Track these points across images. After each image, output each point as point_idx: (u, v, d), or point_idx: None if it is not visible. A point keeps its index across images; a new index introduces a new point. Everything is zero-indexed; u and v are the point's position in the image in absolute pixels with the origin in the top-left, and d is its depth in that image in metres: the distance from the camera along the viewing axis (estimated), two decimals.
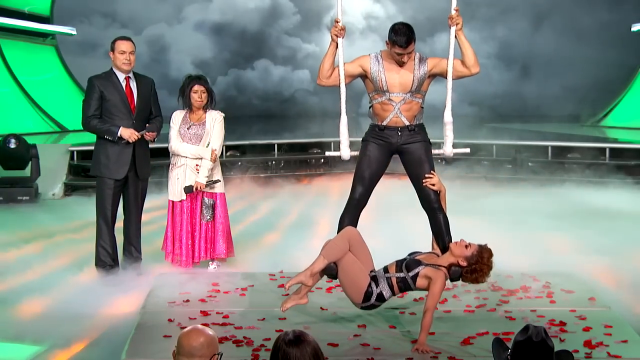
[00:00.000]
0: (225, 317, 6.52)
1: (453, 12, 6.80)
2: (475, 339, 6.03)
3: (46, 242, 10.16)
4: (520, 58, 22.65)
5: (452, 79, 6.81)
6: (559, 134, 17.18)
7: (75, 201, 13.23)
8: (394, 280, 6.21)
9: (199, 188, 8.12)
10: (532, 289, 7.29)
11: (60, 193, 14.06)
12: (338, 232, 6.60)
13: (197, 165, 8.16)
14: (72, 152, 14.53)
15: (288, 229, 10.81)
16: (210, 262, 8.33)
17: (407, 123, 6.73)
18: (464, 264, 6.23)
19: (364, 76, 6.80)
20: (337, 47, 6.79)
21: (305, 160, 16.03)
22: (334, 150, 7.26)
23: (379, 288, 6.19)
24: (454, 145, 7.10)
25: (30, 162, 13.58)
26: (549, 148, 15.20)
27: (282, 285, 6.75)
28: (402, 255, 6.38)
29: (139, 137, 7.93)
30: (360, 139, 6.99)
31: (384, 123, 6.75)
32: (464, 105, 19.42)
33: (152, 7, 22.30)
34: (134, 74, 8.14)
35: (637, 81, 19.20)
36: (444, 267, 6.22)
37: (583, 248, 9.26)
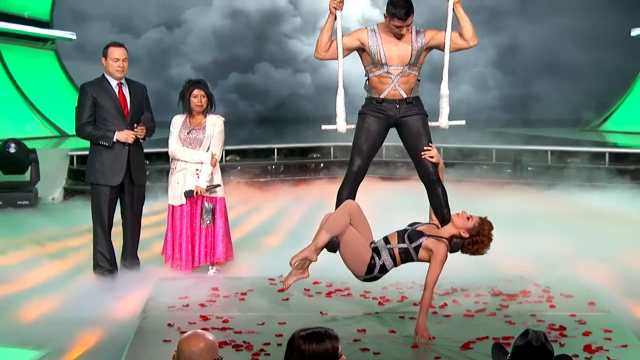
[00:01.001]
0: (225, 321, 6.51)
1: None
2: (475, 344, 6.02)
3: (45, 246, 10.15)
4: (519, 63, 22.69)
5: (450, 52, 6.79)
6: (558, 139, 17.18)
7: (74, 206, 13.21)
8: (396, 251, 6.26)
9: (199, 193, 8.12)
10: (532, 294, 7.28)
11: (60, 198, 14.08)
12: (337, 205, 6.62)
13: (197, 169, 8.16)
14: (71, 157, 14.55)
15: (288, 234, 10.81)
16: (210, 267, 8.32)
17: (404, 96, 6.73)
18: (466, 235, 6.32)
19: (360, 49, 6.78)
20: (335, 19, 6.75)
21: (305, 165, 16.03)
22: (331, 124, 7.19)
23: (382, 260, 6.25)
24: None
25: (29, 167, 13.59)
26: (549, 152, 15.22)
27: (282, 290, 6.75)
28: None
29: (136, 136, 7.87)
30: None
31: (382, 96, 6.74)
32: (463, 107, 19.45)
33: (152, 11, 22.33)
34: (126, 80, 8.05)
35: (636, 86, 19.21)
36: (445, 238, 6.27)
37: (583, 252, 9.24)
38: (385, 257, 6.24)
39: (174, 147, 8.23)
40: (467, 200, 12.06)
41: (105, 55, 7.91)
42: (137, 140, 8.02)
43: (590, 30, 21.63)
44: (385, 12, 6.59)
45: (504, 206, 12.32)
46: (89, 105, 7.84)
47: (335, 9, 6.73)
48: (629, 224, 11.10)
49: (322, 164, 15.83)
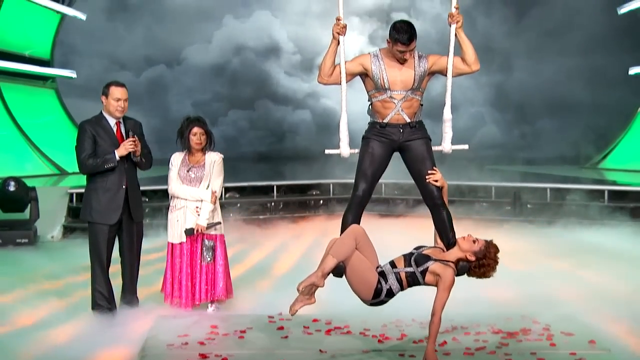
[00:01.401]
0: (224, 359, 6.48)
1: (453, 10, 6.80)
2: None
3: (44, 285, 10.11)
4: (517, 100, 22.80)
5: (452, 77, 6.82)
6: (558, 176, 17.20)
7: (74, 243, 13.18)
8: (402, 275, 6.26)
9: (200, 230, 8.11)
10: (532, 331, 7.24)
11: (59, 235, 14.07)
12: (342, 229, 6.61)
13: (197, 207, 8.15)
14: (71, 195, 14.56)
15: (287, 271, 10.79)
16: (210, 304, 8.28)
17: (408, 120, 6.75)
18: (472, 258, 6.32)
19: (363, 74, 6.81)
20: (338, 44, 6.80)
21: (304, 202, 16.03)
22: (335, 149, 7.19)
23: (388, 284, 6.24)
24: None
25: (29, 205, 13.60)
26: (548, 190, 15.24)
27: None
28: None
29: (135, 142, 7.81)
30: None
31: (386, 120, 6.76)
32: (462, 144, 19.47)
33: (152, 48, 22.44)
34: (123, 117, 7.99)
35: (635, 124, 19.30)
36: (452, 262, 6.27)
37: (583, 290, 9.22)
38: (392, 281, 6.24)
39: (174, 185, 8.23)
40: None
41: (106, 94, 7.85)
42: (135, 175, 8.01)
43: (589, 69, 21.79)
44: (388, 37, 6.63)
45: (503, 243, 12.26)
46: (89, 142, 7.80)
47: (339, 34, 6.79)
48: (628, 261, 11.09)
49: (321, 201, 15.84)
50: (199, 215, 8.13)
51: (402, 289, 6.30)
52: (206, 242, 8.18)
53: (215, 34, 23.37)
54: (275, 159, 22.43)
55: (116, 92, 7.84)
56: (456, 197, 15.37)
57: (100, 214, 7.87)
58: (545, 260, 11.26)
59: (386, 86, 6.68)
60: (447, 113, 7.00)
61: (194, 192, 8.16)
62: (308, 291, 6.22)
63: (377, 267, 6.33)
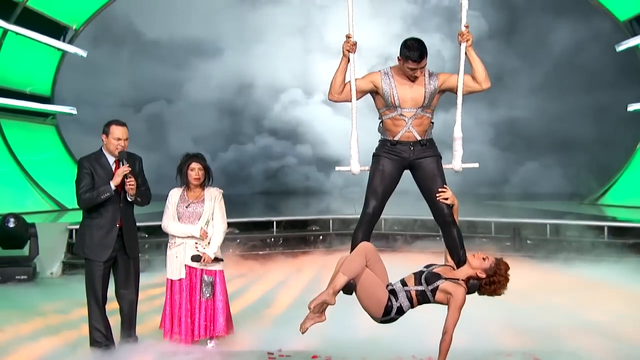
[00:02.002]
0: None
1: (463, 29, 6.82)
2: None
3: (42, 322, 10.07)
4: (517, 137, 22.87)
5: (463, 94, 6.83)
6: (557, 212, 17.20)
7: (73, 280, 13.14)
8: (413, 293, 6.27)
9: (206, 260, 8.08)
10: None
11: (58, 272, 14.03)
12: (352, 247, 6.60)
13: (196, 243, 8.14)
14: (70, 231, 14.53)
15: (287, 307, 10.76)
16: (209, 340, 8.25)
17: (418, 138, 6.76)
18: (483, 276, 6.35)
19: (374, 92, 6.82)
20: (348, 62, 6.81)
21: (304, 237, 16.00)
22: (345, 166, 7.18)
23: (399, 302, 6.25)
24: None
25: (29, 241, 13.58)
26: (548, 225, 15.23)
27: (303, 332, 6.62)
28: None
29: (128, 168, 7.77)
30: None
31: (396, 138, 6.77)
32: (462, 181, 19.54)
33: (152, 84, 22.52)
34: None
35: (634, 160, 19.32)
36: (462, 280, 6.27)
37: (583, 326, 9.19)
38: (402, 299, 6.25)
39: (165, 222, 8.24)
40: None
41: (106, 132, 7.84)
42: (131, 212, 8.01)
43: (588, 106, 21.90)
44: (399, 55, 6.65)
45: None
46: (88, 178, 7.79)
47: (349, 51, 6.80)
48: (629, 298, 11.05)
49: (320, 237, 15.82)
50: (198, 251, 8.11)
51: (412, 306, 6.31)
52: (205, 278, 8.16)
53: (215, 69, 23.47)
54: (276, 194, 22.43)
55: (117, 131, 7.83)
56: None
57: (92, 251, 7.85)
58: (545, 296, 11.24)
59: (396, 104, 6.70)
60: (458, 131, 7.01)
61: (184, 228, 8.14)
62: (319, 309, 6.22)
63: (388, 285, 6.34)
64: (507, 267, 6.45)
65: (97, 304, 7.92)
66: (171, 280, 8.23)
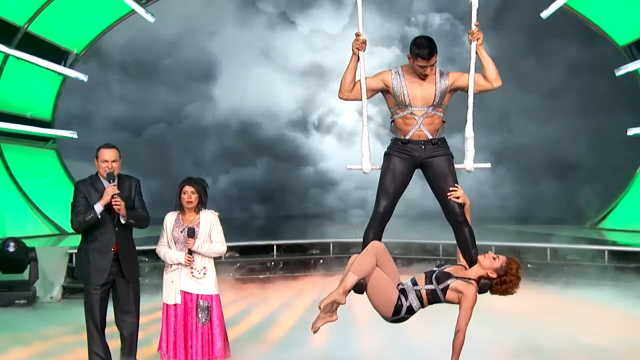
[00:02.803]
0: None
1: (474, 28, 6.81)
2: None
3: (41, 346, 10.08)
4: (518, 161, 22.92)
5: (474, 93, 6.79)
6: (557, 236, 17.20)
7: (73, 304, 13.16)
8: (423, 293, 6.28)
9: (190, 244, 8.01)
10: None
11: (58, 296, 14.01)
12: (363, 246, 6.56)
13: (191, 268, 8.07)
14: (70, 255, 14.49)
15: (287, 330, 10.75)
16: None
17: (430, 137, 6.74)
18: (494, 275, 6.35)
19: (385, 91, 6.81)
20: (358, 60, 6.77)
21: (304, 261, 15.99)
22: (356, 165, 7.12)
23: (409, 301, 6.26)
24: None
25: (28, 266, 13.58)
26: (548, 249, 15.23)
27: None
28: None
29: (115, 189, 7.75)
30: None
31: (407, 137, 6.75)
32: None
33: (152, 108, 22.57)
34: (119, 175, 7.96)
35: (634, 184, 19.35)
36: (473, 280, 6.26)
37: (583, 350, 9.20)
38: (412, 299, 6.25)
39: (159, 247, 8.19)
40: None
41: (96, 156, 7.89)
42: (128, 235, 8.01)
43: (588, 130, 21.94)
44: (409, 53, 6.64)
45: (505, 303, 12.30)
46: (82, 201, 7.80)
47: (358, 49, 6.77)
48: (628, 322, 11.06)
49: (320, 260, 15.81)
50: (193, 276, 8.06)
51: (422, 306, 6.33)
52: (201, 302, 8.10)
53: (216, 92, 23.50)
54: (276, 217, 22.42)
55: (104, 154, 7.86)
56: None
57: (88, 275, 7.85)
58: (546, 319, 11.23)
59: (407, 102, 6.69)
60: (469, 131, 6.97)
61: (172, 255, 8.09)
62: (329, 309, 6.24)
63: (398, 285, 6.35)
64: (519, 266, 6.45)
65: (96, 329, 7.90)
66: (167, 305, 8.17)
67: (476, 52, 6.82)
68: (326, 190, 22.56)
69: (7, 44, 17.60)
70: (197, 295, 8.10)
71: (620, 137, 19.88)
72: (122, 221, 7.85)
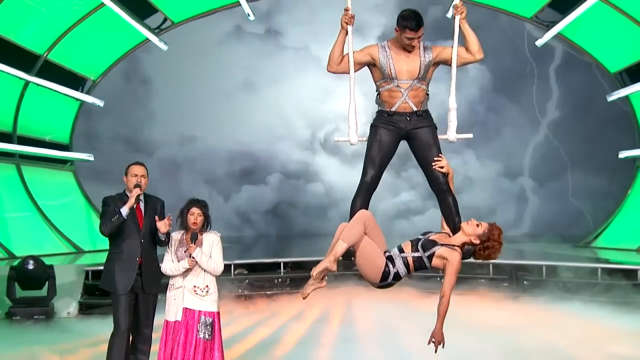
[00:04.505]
0: None
1: (458, 2, 6.75)
2: None
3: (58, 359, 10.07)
4: (514, 181, 22.94)
5: (457, 66, 6.73)
6: (553, 254, 17.18)
7: (89, 319, 13.17)
8: (409, 260, 6.26)
9: (190, 250, 7.97)
10: None
11: (75, 312, 14.01)
12: (350, 215, 6.52)
13: (194, 286, 8.02)
14: (87, 272, 14.53)
15: (293, 345, 10.74)
16: None
17: (414, 108, 6.68)
18: (477, 241, 6.32)
19: (371, 64, 6.76)
20: (346, 34, 6.73)
21: (309, 277, 15.92)
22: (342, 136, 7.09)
23: (396, 268, 6.24)
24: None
25: (47, 282, 13.61)
26: (544, 267, 15.20)
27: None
28: None
29: (140, 189, 7.94)
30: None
31: (393, 109, 6.69)
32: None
33: (163, 129, 22.60)
34: (145, 195, 8.18)
35: (625, 205, 19.35)
36: (458, 246, 6.26)
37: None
38: (399, 265, 6.24)
39: (163, 264, 8.14)
40: (464, 314, 12.13)
41: (126, 173, 8.12)
42: (152, 248, 8.09)
43: (582, 152, 21.95)
44: (396, 25, 6.58)
45: (502, 319, 12.32)
46: (111, 211, 7.92)
47: (347, 23, 6.72)
48: (621, 337, 11.04)
49: (326, 277, 15.76)
50: (196, 293, 8.01)
51: (409, 272, 6.31)
52: (204, 319, 8.03)
53: (226, 110, 23.45)
54: (286, 234, 22.40)
55: (134, 169, 8.11)
56: (459, 274, 15.36)
57: (113, 284, 7.94)
58: (539, 334, 11.21)
59: (393, 75, 6.64)
60: (452, 102, 6.90)
61: (176, 265, 8.07)
62: (319, 276, 6.22)
63: (386, 252, 6.34)
64: (500, 232, 6.41)
65: (118, 335, 7.94)
66: (167, 322, 8.05)
67: (460, 26, 6.75)
68: (335, 206, 22.51)
69: (28, 71, 17.70)
70: (200, 311, 8.02)
71: (612, 160, 19.90)
72: (162, 238, 8.01)
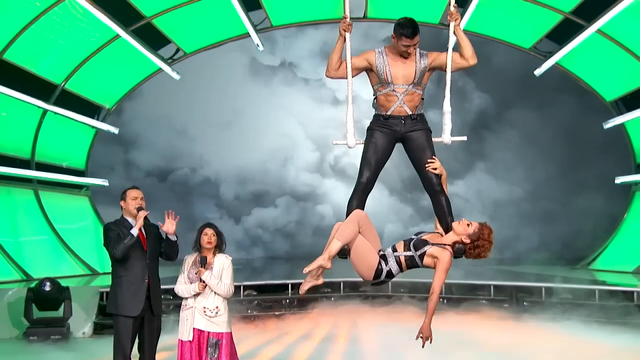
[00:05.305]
0: None
1: (452, 9, 6.80)
2: None
3: None
4: (516, 208, 23.01)
5: (452, 71, 6.79)
6: (552, 276, 17.19)
7: (103, 339, 13.16)
8: (402, 259, 6.31)
9: (201, 273, 8.04)
10: None
11: (90, 332, 14.05)
12: (347, 214, 6.56)
13: (204, 307, 8.07)
14: (101, 294, 14.58)
15: None
16: None
17: (409, 112, 6.73)
18: (467, 241, 6.36)
19: (368, 69, 6.82)
20: (344, 41, 6.79)
21: (316, 299, 15.97)
22: (342, 140, 7.15)
23: (388, 266, 6.29)
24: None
25: (63, 304, 13.66)
26: (543, 289, 15.21)
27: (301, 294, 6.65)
28: None
29: (144, 210, 7.94)
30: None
31: (389, 112, 6.75)
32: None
33: (175, 155, 22.71)
34: (146, 222, 8.08)
35: (622, 229, 19.38)
36: (449, 245, 6.30)
37: None
38: (392, 264, 6.29)
39: (176, 286, 8.20)
40: (465, 333, 12.15)
41: (124, 198, 8.08)
42: (156, 269, 8.09)
43: (581, 178, 22.03)
44: (393, 33, 6.65)
45: (503, 339, 12.31)
46: (116, 236, 7.89)
47: (345, 31, 6.79)
48: (619, 356, 11.03)
49: (332, 298, 15.82)
50: (206, 314, 8.06)
51: (401, 271, 6.36)
52: (210, 339, 8.06)
53: (234, 136, 23.55)
54: (296, 256, 22.42)
55: (133, 192, 8.09)
56: (461, 295, 15.45)
57: (124, 307, 7.87)
58: (542, 354, 11.21)
59: (389, 80, 6.70)
60: (447, 105, 6.97)
61: (187, 287, 8.11)
62: (315, 273, 6.28)
63: (380, 251, 6.39)
64: (490, 231, 6.45)
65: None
66: (182, 341, 8.11)
67: (454, 32, 6.82)
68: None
69: (46, 100, 17.85)
70: (208, 332, 8.06)
71: (609, 185, 19.95)
72: (172, 238, 8.02)
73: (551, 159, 23.12)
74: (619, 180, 19.69)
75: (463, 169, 23.03)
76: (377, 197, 20.39)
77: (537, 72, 19.18)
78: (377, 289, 15.46)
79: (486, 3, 16.88)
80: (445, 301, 15.02)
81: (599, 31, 17.23)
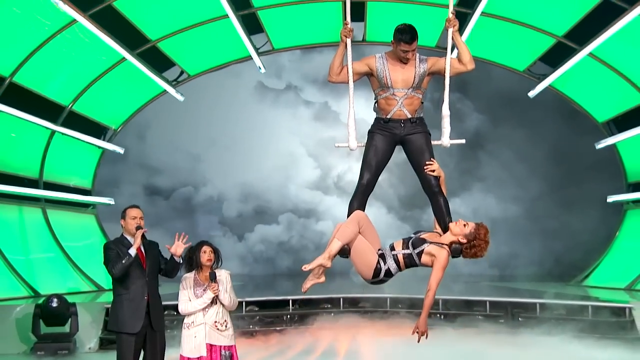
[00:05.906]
0: None
1: (450, 15, 6.84)
2: None
3: None
4: (512, 227, 23.05)
5: (450, 76, 6.83)
6: (546, 292, 17.20)
7: (109, 354, 13.17)
8: (400, 257, 6.35)
9: (213, 287, 8.05)
10: None
11: (96, 347, 14.05)
12: (348, 215, 6.60)
13: (215, 322, 8.09)
14: (107, 309, 14.55)
15: None
16: None
17: (409, 116, 6.77)
18: (464, 241, 6.39)
19: (369, 74, 6.87)
20: (346, 47, 6.84)
21: (316, 314, 15.97)
22: (343, 142, 7.18)
23: (387, 265, 6.33)
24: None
25: (69, 319, 13.67)
26: (537, 304, 15.23)
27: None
28: None
29: (143, 229, 7.97)
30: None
31: (389, 116, 6.79)
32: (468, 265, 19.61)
33: (179, 174, 22.74)
34: (144, 240, 8.12)
35: (613, 246, 19.42)
36: (446, 244, 6.33)
37: None
38: (390, 263, 6.33)
39: (184, 305, 8.13)
40: (467, 346, 12.17)
41: (124, 217, 8.09)
42: (156, 286, 8.11)
43: (573, 197, 22.09)
44: (392, 39, 6.71)
45: (499, 355, 12.33)
46: (115, 253, 7.87)
47: (346, 37, 6.84)
48: None
49: (332, 314, 15.82)
50: (217, 329, 8.08)
51: (400, 269, 6.40)
52: (224, 352, 8.08)
53: (237, 155, 23.57)
54: (299, 273, 22.43)
55: (132, 212, 8.09)
56: (457, 310, 15.46)
57: (125, 324, 7.86)
58: None
59: (389, 84, 6.75)
60: (446, 109, 7.04)
61: (198, 301, 8.11)
62: (317, 271, 6.31)
63: (379, 250, 6.42)
64: (487, 231, 6.47)
65: None
66: (189, 358, 8.02)
67: (452, 38, 6.87)
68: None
69: (54, 121, 17.93)
70: (221, 346, 8.08)
71: (601, 204, 20.02)
72: (178, 260, 8.04)
73: (544, 178, 23.21)
74: (610, 199, 19.77)
75: (459, 187, 23.08)
76: (376, 214, 20.44)
77: (531, 93, 19.29)
78: (375, 304, 15.49)
79: (482, 27, 17.00)
80: (442, 316, 15.04)
81: (590, 54, 17.35)
